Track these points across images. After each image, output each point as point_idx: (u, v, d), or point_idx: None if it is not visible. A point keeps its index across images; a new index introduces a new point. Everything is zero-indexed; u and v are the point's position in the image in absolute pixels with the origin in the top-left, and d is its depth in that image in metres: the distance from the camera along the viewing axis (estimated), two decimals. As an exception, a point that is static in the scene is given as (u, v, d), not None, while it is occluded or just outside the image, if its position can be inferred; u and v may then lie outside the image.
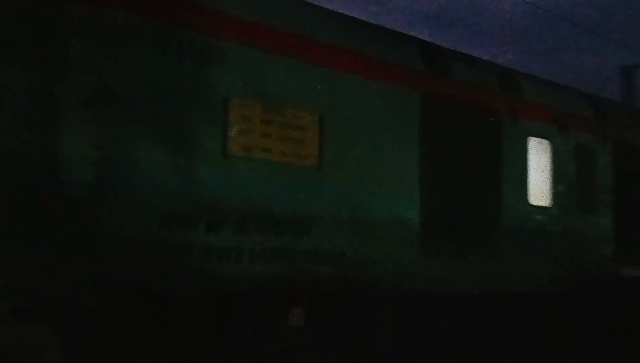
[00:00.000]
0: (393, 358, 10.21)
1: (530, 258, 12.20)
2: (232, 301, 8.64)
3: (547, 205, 12.72)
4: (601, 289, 13.45)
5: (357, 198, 9.82)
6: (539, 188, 12.66)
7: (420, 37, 11.69)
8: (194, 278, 8.25)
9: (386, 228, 10.14)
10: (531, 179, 12.43)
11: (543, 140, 12.69)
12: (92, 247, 7.47)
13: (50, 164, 7.26)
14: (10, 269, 7.04)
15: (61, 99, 7.38)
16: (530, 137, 12.40)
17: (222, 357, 8.57)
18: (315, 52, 9.46)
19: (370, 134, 10.00)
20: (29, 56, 7.24)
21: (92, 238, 7.48)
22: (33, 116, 7.19)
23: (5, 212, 7.02)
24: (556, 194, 12.93)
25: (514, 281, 11.93)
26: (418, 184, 10.56)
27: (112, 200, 7.63)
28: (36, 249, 7.20)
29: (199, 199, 8.27)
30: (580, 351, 12.48)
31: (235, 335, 8.79)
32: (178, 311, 8.25)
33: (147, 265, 7.91)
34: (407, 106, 10.54)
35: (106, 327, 7.67)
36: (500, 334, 11.58)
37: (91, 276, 7.48)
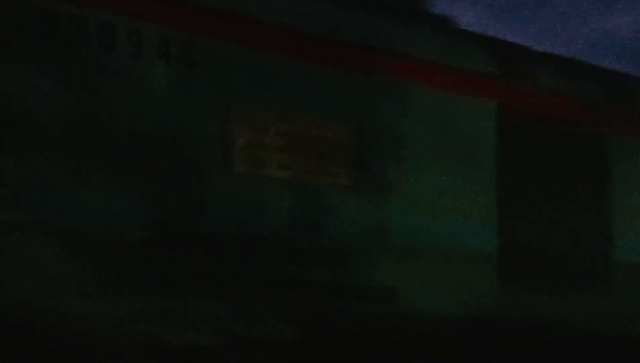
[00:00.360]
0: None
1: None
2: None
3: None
4: None
5: (413, 224, 8.44)
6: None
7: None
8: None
9: (452, 259, 8.70)
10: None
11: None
12: None
13: None
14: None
15: None
16: (651, 153, 10.66)
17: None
18: (352, 56, 8.23)
19: (429, 149, 8.63)
20: None
21: None
22: None
23: None
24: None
25: (633, 322, 10.21)
26: (495, 209, 9.07)
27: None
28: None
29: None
30: None
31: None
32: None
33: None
34: (478, 117, 9.10)
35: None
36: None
37: None
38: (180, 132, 7.04)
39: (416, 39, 8.89)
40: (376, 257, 8.10)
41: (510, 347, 9.01)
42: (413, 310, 8.32)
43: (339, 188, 7.88)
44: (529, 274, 9.25)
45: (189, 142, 7.06)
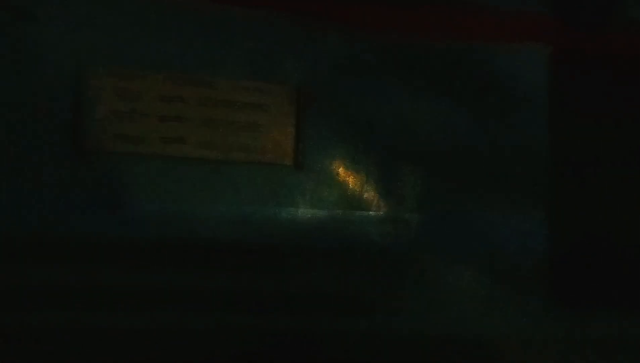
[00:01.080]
0: None
1: None
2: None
3: None
4: None
5: (405, 218, 6.32)
6: None
7: None
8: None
9: (475, 268, 6.56)
10: None
11: None
12: None
13: None
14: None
15: None
16: None
17: None
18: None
19: (422, 112, 6.43)
20: None
21: None
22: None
23: None
24: None
25: None
26: (543, 200, 6.84)
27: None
28: None
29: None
30: None
31: None
32: None
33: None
34: (523, 71, 6.86)
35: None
36: None
37: None
38: None
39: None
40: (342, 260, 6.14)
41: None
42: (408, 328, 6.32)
43: None
44: (593, 286, 7.00)
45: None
